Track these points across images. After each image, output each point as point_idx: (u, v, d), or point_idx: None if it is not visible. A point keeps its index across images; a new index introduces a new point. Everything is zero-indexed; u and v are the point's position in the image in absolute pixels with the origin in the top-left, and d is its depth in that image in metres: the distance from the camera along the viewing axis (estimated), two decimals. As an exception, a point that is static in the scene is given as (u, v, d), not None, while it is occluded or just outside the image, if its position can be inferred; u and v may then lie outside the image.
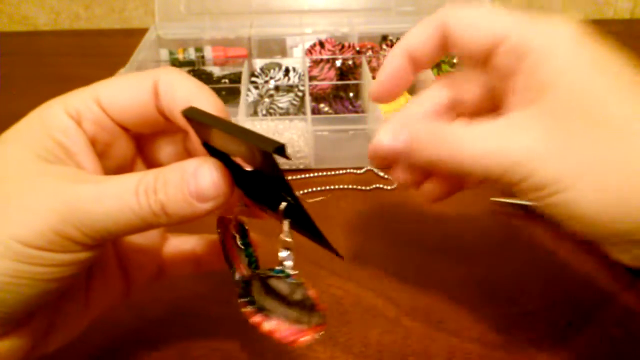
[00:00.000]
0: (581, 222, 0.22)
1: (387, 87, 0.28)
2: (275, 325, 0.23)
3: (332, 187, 0.47)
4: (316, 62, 0.59)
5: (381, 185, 0.47)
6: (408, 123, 0.26)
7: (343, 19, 0.68)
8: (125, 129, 0.24)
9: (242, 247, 0.26)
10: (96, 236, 0.20)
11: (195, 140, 0.24)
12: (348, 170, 0.49)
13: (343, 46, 0.61)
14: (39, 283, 0.20)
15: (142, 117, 0.24)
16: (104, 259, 0.26)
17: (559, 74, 0.22)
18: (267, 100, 0.55)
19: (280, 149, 0.17)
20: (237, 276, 0.26)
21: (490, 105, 0.27)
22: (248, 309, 0.24)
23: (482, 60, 0.25)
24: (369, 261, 0.38)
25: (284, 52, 0.66)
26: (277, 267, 0.22)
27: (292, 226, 0.21)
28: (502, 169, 0.22)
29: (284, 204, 0.21)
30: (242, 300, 0.24)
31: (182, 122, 0.22)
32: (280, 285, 0.23)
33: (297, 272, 0.22)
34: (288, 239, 0.21)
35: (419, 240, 0.40)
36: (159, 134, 0.26)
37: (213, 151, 0.22)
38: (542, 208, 0.23)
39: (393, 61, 0.28)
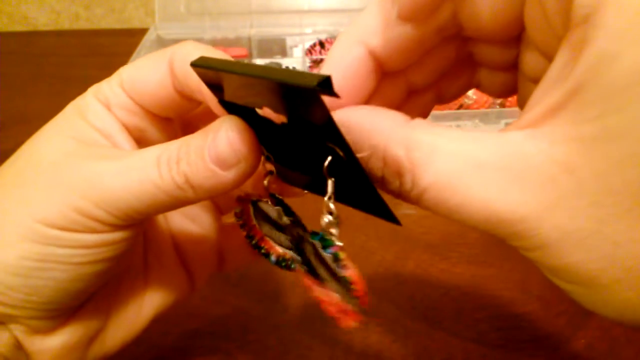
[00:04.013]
0: (610, 313, 0.15)
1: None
2: (324, 295, 0.20)
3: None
4: (316, 62, 0.59)
5: (381, 185, 0.47)
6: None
7: (343, 19, 0.68)
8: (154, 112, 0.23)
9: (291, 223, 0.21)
10: (121, 215, 0.19)
11: (214, 107, 0.20)
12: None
13: (343, 46, 0.61)
14: (71, 267, 0.19)
15: (162, 99, 0.22)
16: (160, 249, 0.25)
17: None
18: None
19: (327, 82, 0.13)
20: (274, 258, 0.23)
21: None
22: (300, 268, 0.20)
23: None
24: (369, 261, 0.38)
25: (284, 52, 0.66)
26: (321, 232, 0.18)
27: (337, 190, 0.17)
28: (497, 228, 0.15)
29: (328, 159, 0.16)
30: (294, 256, 0.21)
31: (201, 97, 0.20)
32: (326, 255, 0.19)
33: (341, 243, 0.18)
34: (332, 204, 0.18)
35: (420, 240, 0.40)
36: (205, 116, 0.24)
37: (233, 108, 0.19)
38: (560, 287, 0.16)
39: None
